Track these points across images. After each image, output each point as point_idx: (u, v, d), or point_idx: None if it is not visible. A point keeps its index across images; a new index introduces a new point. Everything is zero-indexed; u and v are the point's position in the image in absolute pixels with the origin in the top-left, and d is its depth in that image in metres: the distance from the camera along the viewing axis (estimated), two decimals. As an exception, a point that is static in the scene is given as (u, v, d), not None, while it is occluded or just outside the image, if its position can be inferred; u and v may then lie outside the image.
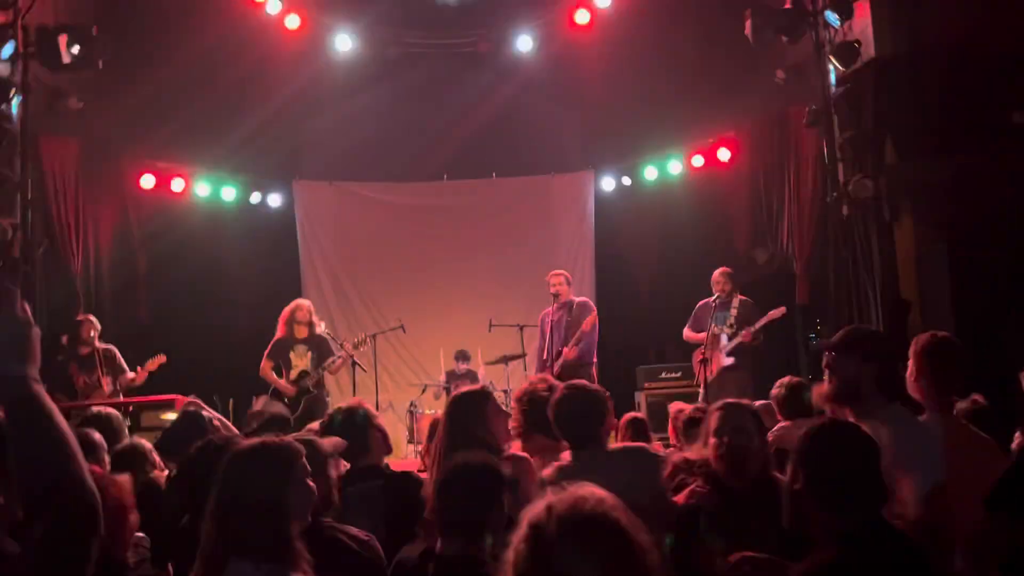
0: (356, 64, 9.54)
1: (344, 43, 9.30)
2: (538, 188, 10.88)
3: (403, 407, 9.24)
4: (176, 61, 8.35)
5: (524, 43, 9.55)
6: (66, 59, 7.08)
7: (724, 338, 7.13)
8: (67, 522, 1.51)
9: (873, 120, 6.70)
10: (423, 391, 9.37)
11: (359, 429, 3.49)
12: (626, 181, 10.52)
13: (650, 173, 10.25)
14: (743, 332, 7.00)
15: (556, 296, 7.41)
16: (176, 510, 2.86)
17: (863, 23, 6.74)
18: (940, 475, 2.54)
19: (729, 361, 7.04)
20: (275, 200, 10.48)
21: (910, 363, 2.88)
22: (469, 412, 3.36)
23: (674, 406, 5.08)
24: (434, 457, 3.38)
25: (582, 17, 9.07)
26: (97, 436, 3.51)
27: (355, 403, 3.71)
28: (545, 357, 7.33)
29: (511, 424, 3.66)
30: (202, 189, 9.90)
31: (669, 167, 10.06)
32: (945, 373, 2.85)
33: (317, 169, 10.66)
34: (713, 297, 7.17)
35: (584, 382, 3.52)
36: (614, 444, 3.93)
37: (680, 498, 3.02)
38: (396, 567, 2.70)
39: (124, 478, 2.60)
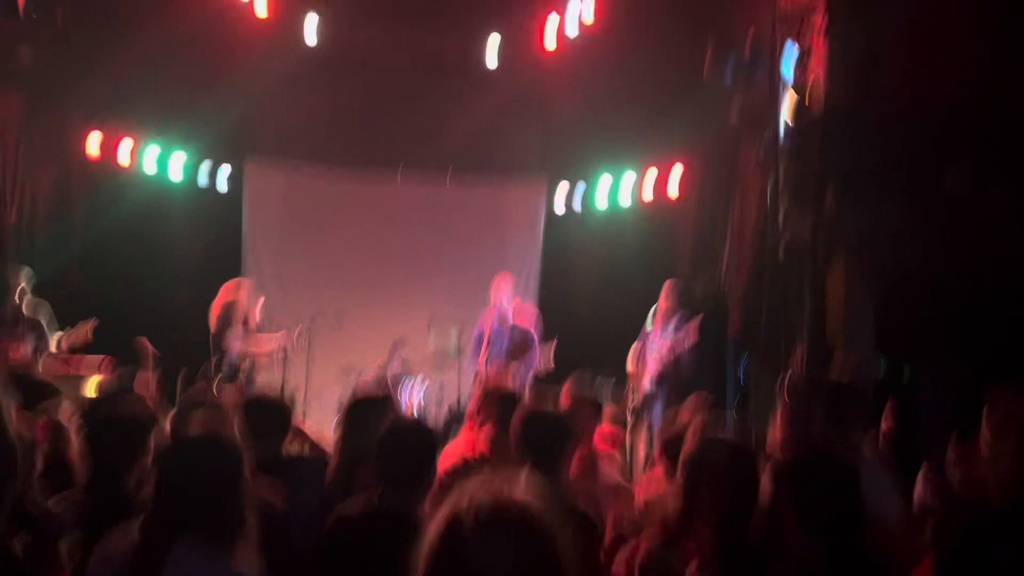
0: (321, 52, 9.51)
1: (311, 30, 9.27)
2: (491, 193, 10.95)
3: (332, 399, 9.20)
4: (140, 28, 8.23)
5: (492, 47, 9.63)
6: (22, 7, 6.92)
7: (653, 364, 7.29)
8: None
9: (817, 166, 6.91)
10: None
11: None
12: (576, 203, 10.68)
13: (603, 187, 10.42)
14: (663, 354, 7.19)
15: (500, 316, 7.51)
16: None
17: (816, 72, 6.95)
18: None
19: (653, 389, 7.20)
20: (223, 179, 10.35)
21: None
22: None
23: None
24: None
25: (550, 43, 9.20)
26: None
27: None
28: (480, 364, 7.41)
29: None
30: (149, 159, 9.72)
31: (622, 183, 10.24)
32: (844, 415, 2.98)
33: (270, 151, 10.57)
34: (653, 310, 7.36)
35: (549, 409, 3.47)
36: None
37: None
38: (337, 522, 2.72)
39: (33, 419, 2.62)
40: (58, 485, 2.98)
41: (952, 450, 2.81)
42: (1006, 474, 2.43)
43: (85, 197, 9.30)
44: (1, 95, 8.00)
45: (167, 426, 3.32)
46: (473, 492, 1.44)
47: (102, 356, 7.18)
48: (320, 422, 7.51)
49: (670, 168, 9.79)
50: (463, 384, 8.72)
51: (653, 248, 9.96)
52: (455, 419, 7.99)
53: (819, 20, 6.99)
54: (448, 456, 3.84)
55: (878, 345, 6.43)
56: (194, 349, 8.07)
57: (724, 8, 8.24)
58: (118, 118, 9.34)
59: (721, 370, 8.19)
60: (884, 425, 3.93)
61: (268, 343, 7.65)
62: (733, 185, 8.62)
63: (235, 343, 7.29)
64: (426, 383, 9.05)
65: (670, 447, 3.39)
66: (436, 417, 8.72)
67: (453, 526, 1.42)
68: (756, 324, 7.70)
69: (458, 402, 8.77)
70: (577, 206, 10.69)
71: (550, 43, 9.17)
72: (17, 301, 7.13)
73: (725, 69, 7.12)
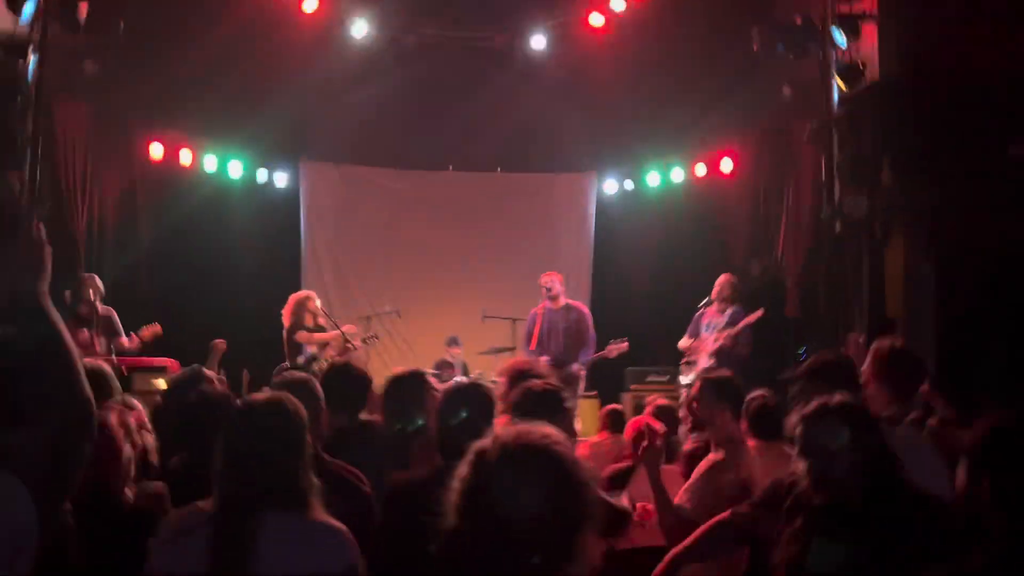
0: (370, 50, 9.64)
1: (360, 29, 9.40)
2: (541, 186, 11.00)
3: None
4: (196, 36, 8.45)
5: (538, 42, 9.64)
6: (84, 22, 7.18)
7: (711, 341, 7.26)
8: (65, 423, 1.65)
9: (871, 141, 6.80)
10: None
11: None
12: (628, 186, 10.63)
13: (653, 179, 10.37)
14: (721, 335, 7.14)
15: (554, 297, 7.55)
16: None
17: (870, 45, 6.84)
18: None
19: (710, 363, 7.16)
20: (281, 179, 10.61)
21: (865, 367, 2.98)
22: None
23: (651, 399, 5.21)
24: None
25: (596, 20, 9.13)
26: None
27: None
28: (534, 349, 7.47)
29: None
30: (209, 162, 10.01)
31: (671, 174, 10.18)
32: (898, 382, 2.95)
33: (324, 151, 10.78)
34: (706, 301, 7.30)
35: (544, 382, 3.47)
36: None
37: None
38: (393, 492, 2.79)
39: (116, 415, 2.71)
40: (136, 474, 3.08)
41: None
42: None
43: (150, 201, 9.61)
44: (70, 106, 8.29)
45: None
46: (497, 433, 1.59)
47: (167, 358, 7.42)
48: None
49: (720, 157, 9.71)
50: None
51: (707, 231, 9.89)
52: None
53: (871, -8, 6.89)
54: None
55: (937, 319, 6.31)
56: (259, 348, 8.31)
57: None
58: (177, 126, 9.63)
59: (778, 350, 8.11)
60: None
61: (334, 335, 7.82)
62: (786, 161, 8.53)
63: (308, 341, 7.51)
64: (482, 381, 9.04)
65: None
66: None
67: (479, 456, 1.54)
68: (814, 303, 7.62)
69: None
70: (628, 194, 10.65)
71: (597, 20, 9.03)
72: (89, 306, 7.42)
73: (776, 43, 7.03)
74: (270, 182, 10.56)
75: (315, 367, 7.28)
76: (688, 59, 8.89)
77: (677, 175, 10.17)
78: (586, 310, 7.76)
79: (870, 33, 6.81)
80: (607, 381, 8.85)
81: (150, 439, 3.24)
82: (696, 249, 9.72)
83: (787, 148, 8.57)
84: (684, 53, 8.84)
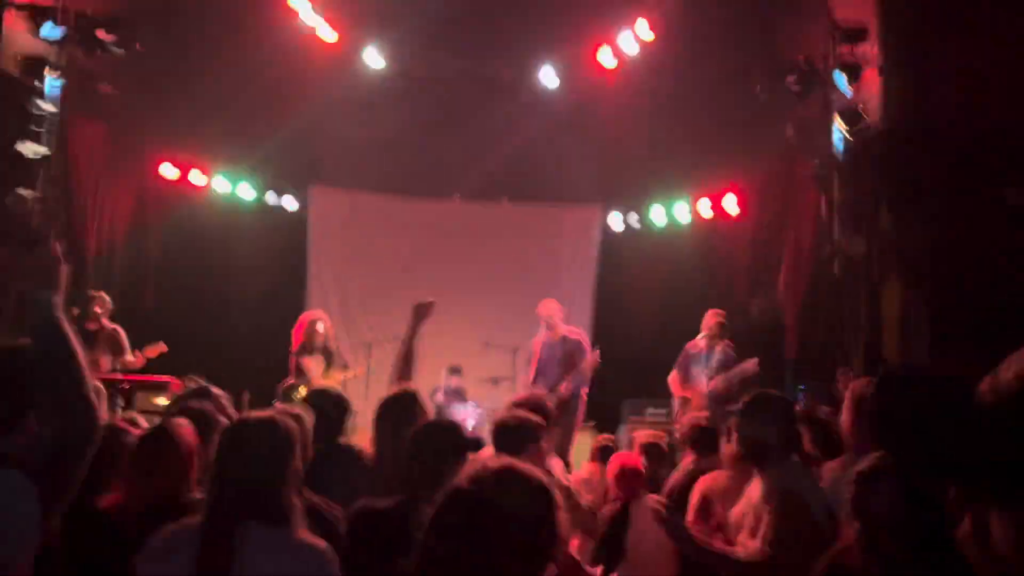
0: (382, 79, 9.81)
1: (373, 59, 9.58)
2: (547, 217, 11.11)
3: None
4: (211, 59, 8.65)
5: (547, 75, 9.79)
6: (102, 44, 7.38)
7: (704, 380, 7.27)
8: (71, 428, 1.83)
9: (872, 184, 6.90)
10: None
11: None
12: (634, 221, 10.74)
13: (657, 214, 10.48)
14: (712, 381, 7.14)
15: (551, 328, 7.58)
16: None
17: (871, 90, 6.96)
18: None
19: (703, 403, 7.16)
20: (290, 202, 10.75)
21: (844, 411, 3.03)
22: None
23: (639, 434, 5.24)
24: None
25: (607, 59, 9.22)
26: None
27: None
28: (533, 380, 7.51)
29: None
30: (221, 184, 10.17)
31: (675, 211, 10.29)
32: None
33: (334, 176, 10.91)
34: (700, 336, 7.33)
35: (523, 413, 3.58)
36: None
37: None
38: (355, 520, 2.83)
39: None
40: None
41: None
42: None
43: (160, 221, 9.75)
44: (86, 125, 8.45)
45: None
46: (483, 461, 1.71)
47: (169, 376, 7.47)
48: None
49: (723, 194, 9.82)
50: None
51: (710, 268, 9.96)
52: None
53: (874, 39, 7.02)
54: None
55: (933, 363, 6.35)
56: (262, 369, 8.34)
57: (779, 26, 8.28)
58: (190, 147, 9.79)
59: (778, 389, 8.10)
60: None
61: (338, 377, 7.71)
62: (789, 201, 8.61)
63: (313, 368, 7.44)
64: (480, 409, 9.06)
65: None
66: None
67: (462, 482, 1.64)
68: (812, 341, 7.66)
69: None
70: (633, 229, 10.76)
71: (609, 62, 9.16)
72: (96, 323, 7.52)
73: (780, 86, 7.16)
74: (280, 205, 10.70)
75: (294, 396, 7.25)
76: (695, 98, 9.02)
77: (682, 211, 10.28)
78: (584, 339, 7.76)
79: (872, 78, 6.93)
80: (606, 411, 8.89)
81: None
82: (699, 286, 9.77)
83: (790, 188, 8.66)
84: (690, 91, 8.97)
